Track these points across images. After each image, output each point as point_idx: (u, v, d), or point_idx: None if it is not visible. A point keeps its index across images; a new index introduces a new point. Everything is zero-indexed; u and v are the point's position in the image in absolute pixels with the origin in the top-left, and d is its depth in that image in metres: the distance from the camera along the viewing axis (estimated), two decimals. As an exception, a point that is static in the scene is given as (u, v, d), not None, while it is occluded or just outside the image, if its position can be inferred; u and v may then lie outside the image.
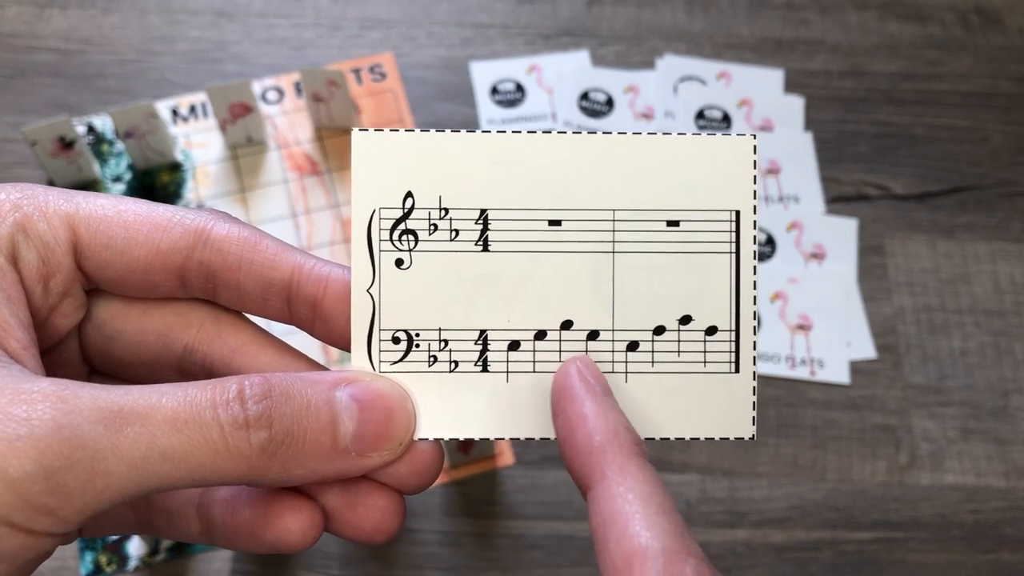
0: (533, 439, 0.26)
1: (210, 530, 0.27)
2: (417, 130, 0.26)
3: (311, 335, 0.27)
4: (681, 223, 0.26)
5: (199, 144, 0.60)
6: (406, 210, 0.26)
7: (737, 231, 0.27)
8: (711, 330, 0.27)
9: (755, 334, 0.27)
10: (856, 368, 0.55)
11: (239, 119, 0.58)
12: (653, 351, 0.27)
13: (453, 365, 0.26)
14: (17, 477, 0.20)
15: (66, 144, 0.55)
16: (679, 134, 0.27)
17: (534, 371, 0.26)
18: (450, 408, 0.26)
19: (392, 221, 0.26)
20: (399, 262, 0.26)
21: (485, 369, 0.26)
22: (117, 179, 0.59)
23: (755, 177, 0.27)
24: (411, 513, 0.50)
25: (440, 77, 0.63)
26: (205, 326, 0.27)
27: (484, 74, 0.64)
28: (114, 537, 0.49)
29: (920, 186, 0.61)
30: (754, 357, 0.27)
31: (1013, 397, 0.55)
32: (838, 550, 0.50)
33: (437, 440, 0.26)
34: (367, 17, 0.65)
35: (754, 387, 0.27)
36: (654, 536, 0.22)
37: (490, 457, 0.51)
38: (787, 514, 0.51)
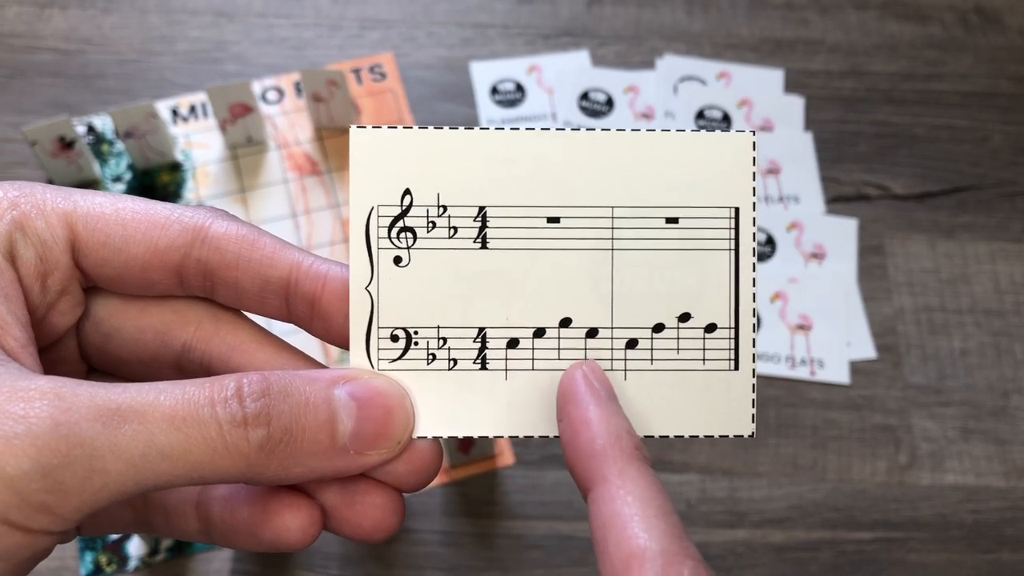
0: (532, 437, 0.26)
1: (208, 528, 0.26)
2: (416, 127, 0.26)
3: (309, 333, 0.27)
4: (680, 220, 0.26)
5: (199, 144, 0.60)
6: (404, 207, 0.26)
7: (736, 228, 0.26)
8: (710, 327, 0.26)
9: (755, 331, 0.27)
10: (856, 368, 0.55)
11: (239, 119, 0.58)
12: (652, 349, 0.26)
13: (452, 363, 0.26)
14: (14, 475, 0.20)
15: (66, 144, 0.55)
16: (678, 131, 0.26)
17: (533, 369, 0.26)
18: (449, 406, 0.26)
19: (390, 218, 0.26)
20: (397, 260, 0.26)
21: (484, 367, 0.26)
22: (117, 179, 0.59)
23: (754, 174, 0.27)
24: (411, 513, 0.50)
25: (440, 77, 0.63)
26: (203, 324, 0.27)
27: (484, 74, 0.64)
28: (114, 537, 0.49)
29: (920, 186, 0.61)
30: (753, 354, 0.27)
31: (1013, 397, 0.54)
32: (838, 550, 0.50)
33: (436, 438, 0.26)
34: (367, 17, 0.65)
35: (753, 384, 0.27)
36: (652, 538, 0.22)
37: (490, 457, 0.51)
38: (787, 514, 0.51)
